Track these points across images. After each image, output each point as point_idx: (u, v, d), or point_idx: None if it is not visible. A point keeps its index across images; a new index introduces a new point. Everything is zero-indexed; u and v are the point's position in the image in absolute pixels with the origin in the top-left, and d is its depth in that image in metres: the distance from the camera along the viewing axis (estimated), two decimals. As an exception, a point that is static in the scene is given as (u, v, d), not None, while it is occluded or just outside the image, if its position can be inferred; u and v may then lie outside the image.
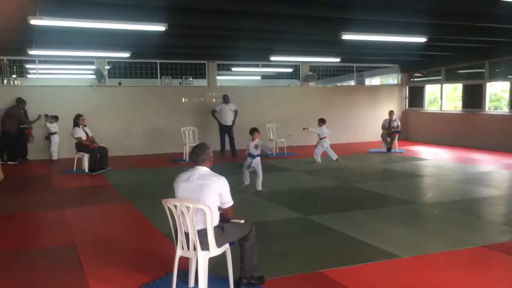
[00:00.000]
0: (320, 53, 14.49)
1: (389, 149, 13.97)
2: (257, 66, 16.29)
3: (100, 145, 11.16)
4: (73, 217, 6.99)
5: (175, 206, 3.83)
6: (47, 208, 7.62)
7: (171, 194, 4.03)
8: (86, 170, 10.82)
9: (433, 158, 13.15)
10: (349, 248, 5.44)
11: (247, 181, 8.67)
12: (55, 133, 12.78)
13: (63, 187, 9.33)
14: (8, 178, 10.47)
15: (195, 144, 13.24)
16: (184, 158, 12.51)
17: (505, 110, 14.47)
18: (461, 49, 13.72)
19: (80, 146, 10.91)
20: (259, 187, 8.54)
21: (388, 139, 14.06)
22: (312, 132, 12.29)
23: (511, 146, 13.48)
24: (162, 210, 3.98)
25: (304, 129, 12.22)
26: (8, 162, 12.26)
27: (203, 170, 4.03)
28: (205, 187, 3.89)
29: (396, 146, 14.11)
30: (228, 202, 4.01)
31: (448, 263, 4.98)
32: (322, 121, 12.27)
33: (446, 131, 15.84)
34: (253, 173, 8.66)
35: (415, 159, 12.83)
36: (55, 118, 12.77)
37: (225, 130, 13.83)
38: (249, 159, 8.45)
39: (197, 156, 4.04)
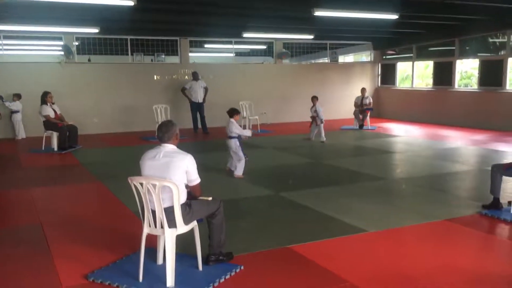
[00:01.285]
0: (293, 30, 14.42)
1: (361, 126, 14.11)
2: (230, 43, 16.11)
3: (70, 123, 10.93)
4: (40, 197, 6.87)
5: (141, 184, 3.79)
6: (13, 187, 7.46)
7: (140, 173, 3.99)
8: (55, 149, 10.61)
9: (404, 134, 13.35)
10: (318, 224, 5.51)
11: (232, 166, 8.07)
12: (17, 111, 12.44)
13: (31, 166, 9.13)
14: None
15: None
16: (156, 136, 12.35)
17: (474, 87, 14.74)
18: (432, 26, 13.85)
19: (49, 124, 10.66)
20: (240, 173, 7.90)
21: (360, 116, 14.19)
22: (318, 114, 11.89)
23: (479, 123, 13.79)
24: (132, 188, 3.93)
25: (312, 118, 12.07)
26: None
27: (169, 147, 3.98)
28: (171, 165, 3.85)
29: (368, 123, 14.26)
30: (195, 179, 3.99)
31: (413, 236, 5.11)
32: (317, 98, 12.11)
33: (417, 108, 16.07)
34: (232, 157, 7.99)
35: (386, 136, 13.00)
36: (18, 96, 12.44)
37: (196, 108, 13.74)
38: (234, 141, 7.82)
39: (163, 133, 3.99)
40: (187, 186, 4.01)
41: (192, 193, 4.06)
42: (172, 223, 3.83)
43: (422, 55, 16.53)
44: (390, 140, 12.49)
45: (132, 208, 5.91)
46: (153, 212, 3.85)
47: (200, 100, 13.71)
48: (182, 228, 3.90)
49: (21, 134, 12.66)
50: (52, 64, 13.67)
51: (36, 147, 10.94)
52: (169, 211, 3.81)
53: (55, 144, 10.65)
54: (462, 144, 11.42)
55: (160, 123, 4.15)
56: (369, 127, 14.17)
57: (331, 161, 9.47)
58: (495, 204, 5.77)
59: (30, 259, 4.50)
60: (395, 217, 5.72)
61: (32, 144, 11.47)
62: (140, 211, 3.99)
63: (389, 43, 17.29)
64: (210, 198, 4.15)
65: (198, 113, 13.80)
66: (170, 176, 3.81)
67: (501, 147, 10.71)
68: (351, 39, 17.68)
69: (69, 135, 10.74)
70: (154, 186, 3.73)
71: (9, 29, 11.87)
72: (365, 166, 9.06)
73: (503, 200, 5.90)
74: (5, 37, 13.25)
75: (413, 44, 16.32)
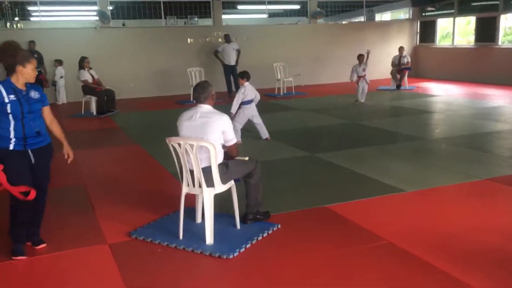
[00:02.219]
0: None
1: (398, 86, 13.77)
2: (264, 3, 15.83)
3: (107, 87, 11.13)
4: (83, 159, 7.05)
5: (179, 145, 3.84)
6: (56, 150, 7.71)
7: (177, 134, 4.04)
8: (94, 113, 10.87)
9: (443, 94, 12.96)
10: (355, 184, 5.49)
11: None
12: (60, 77, 12.73)
13: (72, 130, 9.34)
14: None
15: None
16: (191, 100, 12.46)
17: (519, 43, 14.08)
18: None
19: (87, 89, 10.88)
20: (266, 135, 7.80)
21: (398, 76, 13.82)
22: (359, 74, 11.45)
23: (523, 81, 13.22)
24: (169, 150, 4.00)
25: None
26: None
27: (206, 108, 4.00)
28: (208, 125, 3.88)
29: (406, 83, 13.90)
30: (232, 139, 4.01)
31: (452, 196, 5.03)
32: (364, 56, 11.57)
33: (458, 67, 15.51)
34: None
35: (425, 96, 12.66)
36: (59, 62, 12.66)
37: (230, 70, 13.68)
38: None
39: (199, 94, 4.00)
40: (223, 146, 4.04)
41: (228, 153, 4.10)
42: (210, 183, 3.89)
43: (463, 11, 15.81)
44: (429, 100, 12.16)
45: (170, 169, 6.03)
46: (191, 172, 3.92)
47: (233, 63, 13.63)
48: (219, 187, 3.96)
49: (62, 99, 12.98)
50: (88, 30, 13.83)
51: (76, 111, 11.22)
52: (207, 171, 3.86)
53: (94, 109, 10.90)
54: (505, 102, 11.01)
55: (196, 84, 4.17)
56: (407, 87, 13.81)
57: (367, 122, 9.33)
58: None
59: (75, 217, 4.70)
60: (433, 177, 5.63)
61: (72, 109, 11.77)
62: (178, 171, 4.07)
63: (429, -1, 16.59)
64: (247, 158, 4.18)
65: (231, 75, 13.75)
66: (207, 136, 3.85)
67: (547, 105, 10.28)
68: (389, -4, 17.07)
69: (107, 99, 10.95)
70: (192, 146, 3.78)
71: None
72: (402, 127, 8.90)
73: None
74: (42, 3, 13.42)
75: (455, -1, 15.61)
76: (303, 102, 12.18)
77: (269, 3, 15.90)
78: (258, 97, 7.77)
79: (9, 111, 3.59)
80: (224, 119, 3.95)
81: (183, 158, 3.90)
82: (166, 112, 11.51)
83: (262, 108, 11.61)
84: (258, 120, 7.77)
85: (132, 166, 6.87)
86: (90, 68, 11.07)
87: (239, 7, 16.40)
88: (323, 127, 9.19)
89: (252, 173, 4.18)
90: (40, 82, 12.48)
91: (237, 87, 13.60)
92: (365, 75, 11.38)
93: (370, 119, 9.56)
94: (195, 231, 4.13)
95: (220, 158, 3.96)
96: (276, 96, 13.26)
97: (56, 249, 3.95)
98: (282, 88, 13.57)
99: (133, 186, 5.74)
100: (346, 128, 9.09)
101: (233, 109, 7.51)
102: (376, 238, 3.94)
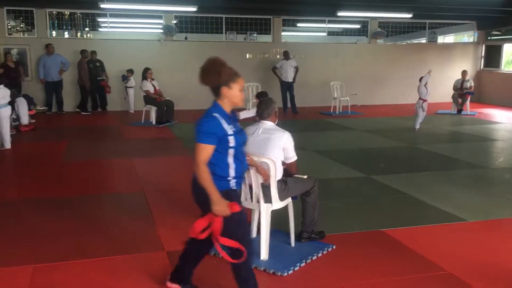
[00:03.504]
0: (390, 8, 13.85)
1: (459, 111, 13.33)
2: (323, 22, 15.85)
3: (167, 98, 11.46)
4: (141, 167, 7.32)
5: (240, 159, 3.90)
6: (117, 157, 8.02)
7: None
8: (153, 122, 11.20)
9: (508, 121, 12.43)
10: (412, 209, 5.35)
11: None
12: (131, 87, 13.17)
13: (132, 138, 9.74)
14: (82, 127, 11.16)
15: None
16: (255, 113, 12.57)
17: None
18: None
19: (148, 99, 11.26)
20: None
21: (459, 100, 13.39)
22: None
23: None
24: None
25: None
26: (82, 113, 12.95)
27: (268, 124, 4.05)
28: (269, 142, 3.92)
29: (468, 108, 13.43)
30: (292, 157, 4.03)
31: (515, 230, 4.80)
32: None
33: (523, 94, 14.84)
34: None
35: (487, 122, 12.20)
36: (131, 72, 13.02)
37: (286, 87, 13.74)
38: None
39: (262, 110, 4.06)
40: (283, 163, 4.07)
41: (288, 170, 4.12)
42: (268, 199, 3.92)
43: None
44: (491, 126, 11.70)
45: (225, 182, 6.12)
46: (250, 186, 3.96)
47: (290, 80, 13.69)
48: (277, 204, 3.97)
49: (132, 107, 13.44)
50: (152, 42, 14.34)
51: (137, 120, 11.62)
52: (266, 187, 3.89)
53: (153, 118, 11.24)
54: None
55: (259, 100, 4.22)
56: (469, 112, 13.35)
57: (426, 146, 9.08)
58: None
59: (134, 223, 4.84)
60: (497, 208, 5.40)
61: (133, 118, 12.19)
62: (237, 185, 4.11)
63: (496, 23, 16.02)
64: (306, 177, 4.18)
65: (288, 92, 13.80)
66: (268, 152, 3.89)
67: None
68: (453, 18, 16.63)
69: (166, 109, 11.27)
70: (252, 161, 3.82)
71: (115, 7, 12.57)
72: (462, 153, 8.60)
73: None
74: (111, 15, 14.07)
75: (524, 23, 15.01)
76: (359, 122, 12.03)
77: (329, 22, 15.90)
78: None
79: (232, 144, 2.98)
80: (286, 136, 3.98)
81: (243, 173, 3.95)
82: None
83: (317, 126, 11.63)
84: None
85: (189, 176, 6.97)
86: (153, 79, 11.45)
87: (299, 24, 16.50)
88: (379, 148, 9.03)
89: (310, 191, 4.18)
90: (102, 88, 13.10)
91: (294, 104, 13.74)
92: (426, 100, 10.66)
93: (428, 144, 9.30)
94: (250, 246, 4.15)
95: (279, 174, 3.99)
96: (332, 114, 13.19)
97: (115, 253, 4.08)
98: (338, 107, 13.48)
99: (190, 195, 5.83)
100: (404, 151, 8.89)
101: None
102: (435, 267, 3.82)
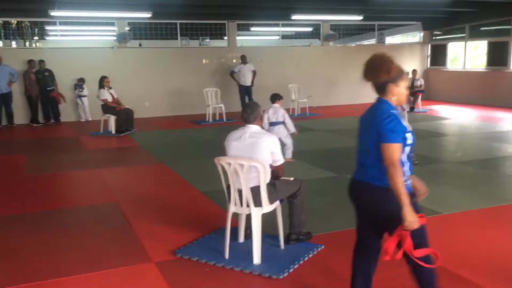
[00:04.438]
0: (341, 11, 14.23)
1: (412, 109, 13.87)
2: (277, 25, 16.06)
3: (126, 106, 11.22)
4: (110, 177, 7.13)
5: (229, 164, 3.89)
6: (82, 168, 7.76)
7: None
8: (113, 132, 10.93)
9: (457, 117, 13.05)
10: (387, 205, 5.50)
11: None
12: (85, 96, 12.85)
13: (92, 149, 9.45)
14: (37, 139, 10.72)
15: (218, 105, 13.05)
16: (207, 119, 12.58)
17: (531, 67, 14.23)
18: (486, 4, 13.38)
19: (107, 108, 10.97)
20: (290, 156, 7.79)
21: (411, 99, 13.93)
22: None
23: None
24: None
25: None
26: (33, 125, 12.46)
27: (255, 128, 4.06)
28: (257, 145, 3.93)
29: (420, 105, 14.00)
30: (280, 159, 4.06)
31: (487, 220, 5.03)
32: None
33: (469, 90, 15.64)
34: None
35: (438, 118, 12.75)
36: (82, 81, 12.76)
37: (245, 91, 13.82)
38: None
39: (248, 114, 4.06)
40: (271, 166, 4.09)
41: (275, 172, 4.14)
42: (258, 202, 3.92)
43: (474, 35, 16.01)
44: (443, 122, 12.24)
45: (199, 188, 6.08)
46: (239, 191, 3.96)
47: (249, 83, 13.78)
48: (267, 207, 3.99)
49: (87, 116, 13.10)
50: (105, 49, 14.00)
51: (95, 130, 11.29)
52: (256, 191, 3.90)
53: (112, 127, 10.96)
54: (521, 126, 11.10)
55: (245, 104, 4.24)
56: (420, 110, 13.92)
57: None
58: None
59: (116, 236, 4.71)
60: (464, 200, 5.65)
61: (91, 127, 11.85)
62: (225, 190, 4.10)
63: (440, 23, 16.81)
64: (292, 179, 4.22)
65: (246, 96, 13.87)
66: (257, 156, 3.90)
67: None
68: (401, 20, 17.29)
69: (125, 118, 11.03)
70: (242, 166, 3.82)
71: (66, 15, 12.19)
72: (422, 149, 8.85)
73: None
74: (61, 23, 13.62)
75: (466, 24, 15.82)
76: (318, 123, 12.26)
77: (283, 25, 16.13)
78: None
79: (409, 142, 2.84)
80: (273, 139, 4.01)
81: (232, 178, 3.94)
82: (184, 131, 11.62)
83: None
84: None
85: (161, 184, 6.89)
86: (110, 88, 11.18)
87: (253, 28, 16.63)
88: (343, 148, 9.22)
89: (297, 193, 4.22)
90: (53, 99, 12.64)
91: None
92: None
93: (389, 141, 9.59)
94: (239, 250, 4.15)
95: (268, 178, 4.01)
96: (291, 116, 13.30)
97: (104, 267, 3.95)
98: (296, 109, 13.68)
99: (166, 204, 5.76)
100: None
101: (293, 128, 7.81)
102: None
